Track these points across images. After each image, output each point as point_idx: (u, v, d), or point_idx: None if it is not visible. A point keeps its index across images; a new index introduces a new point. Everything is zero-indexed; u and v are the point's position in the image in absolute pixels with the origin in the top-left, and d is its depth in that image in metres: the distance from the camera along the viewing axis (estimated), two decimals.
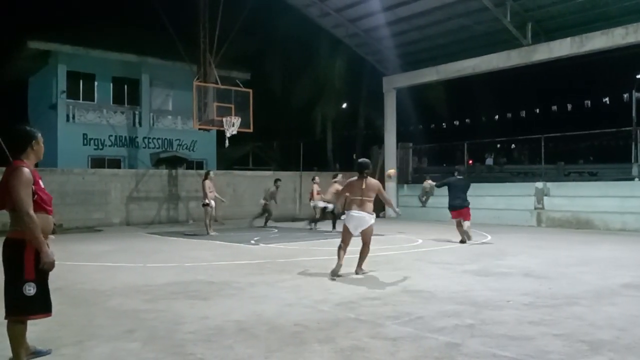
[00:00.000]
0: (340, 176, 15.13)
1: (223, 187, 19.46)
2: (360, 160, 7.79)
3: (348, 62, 25.05)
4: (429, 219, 18.13)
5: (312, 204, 15.58)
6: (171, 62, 21.25)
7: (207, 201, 13.71)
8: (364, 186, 7.31)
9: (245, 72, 23.25)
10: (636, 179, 18.19)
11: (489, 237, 13.16)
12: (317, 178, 16.01)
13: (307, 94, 27.06)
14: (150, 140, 22.32)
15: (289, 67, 27.96)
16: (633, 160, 21.55)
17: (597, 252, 10.22)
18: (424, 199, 20.06)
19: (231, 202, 19.57)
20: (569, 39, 16.25)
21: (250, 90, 17.26)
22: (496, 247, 11.09)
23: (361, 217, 7.31)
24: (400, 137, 22.57)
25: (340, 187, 10.30)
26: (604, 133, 20.59)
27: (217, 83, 16.98)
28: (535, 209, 17.31)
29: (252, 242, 12.09)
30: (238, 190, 19.96)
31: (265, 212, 16.78)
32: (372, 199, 7.41)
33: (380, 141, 23.12)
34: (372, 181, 7.48)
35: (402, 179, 22.03)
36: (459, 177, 12.13)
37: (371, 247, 7.73)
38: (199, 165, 22.86)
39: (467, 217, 11.67)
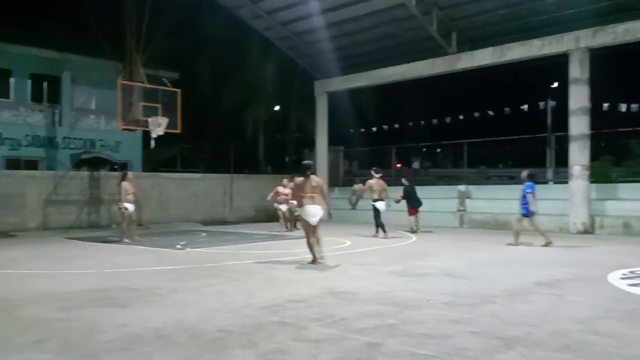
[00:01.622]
0: (285, 180, 16.01)
1: (148, 189, 18.86)
2: (304, 162, 9.22)
3: (280, 64, 25.01)
4: (359, 221, 18.40)
5: (275, 205, 16.19)
6: (95, 59, 20.39)
7: (123, 204, 12.73)
8: (314, 184, 8.65)
9: (173, 72, 22.67)
10: (550, 182, 19.39)
11: (414, 238, 13.58)
12: (285, 180, 16.34)
13: (238, 95, 26.74)
14: (71, 141, 21.26)
15: (220, 68, 27.51)
16: (548, 165, 22.93)
17: (514, 253, 10.76)
18: (354, 201, 20.44)
19: (157, 206, 19.01)
20: (490, 48, 17.06)
21: (179, 90, 16.83)
22: (419, 248, 11.46)
23: (316, 209, 8.62)
24: (332, 141, 22.80)
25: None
26: (522, 139, 21.72)
27: (143, 82, 16.43)
28: (458, 211, 18.04)
29: (178, 246, 11.79)
30: (164, 193, 19.38)
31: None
32: (319, 194, 8.74)
33: (311, 144, 23.26)
34: (317, 179, 8.89)
35: (333, 181, 22.27)
36: (408, 184, 15.31)
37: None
38: (123, 167, 21.99)
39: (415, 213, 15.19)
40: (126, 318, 5.22)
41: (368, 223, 17.64)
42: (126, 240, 12.76)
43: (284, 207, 16.00)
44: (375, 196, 13.65)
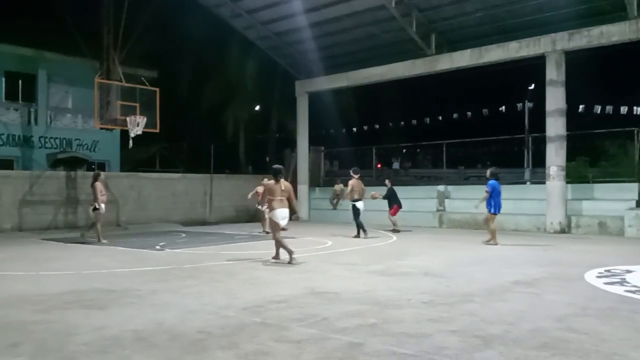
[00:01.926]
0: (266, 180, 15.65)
1: (126, 190, 18.65)
2: (275, 166, 9.50)
3: (261, 64, 24.91)
4: (339, 221, 18.45)
5: (257, 206, 15.91)
6: (71, 57, 19.99)
7: (97, 205, 12.65)
8: (283, 188, 9.03)
9: (152, 71, 22.36)
10: (528, 183, 19.69)
11: (394, 238, 13.66)
12: (265, 180, 16.15)
13: (218, 95, 26.56)
14: (47, 140, 20.87)
15: (199, 67, 27.29)
16: (525, 166, 23.29)
17: (492, 252, 10.88)
18: (335, 201, 20.53)
19: (135, 206, 18.79)
20: (469, 50, 17.24)
21: (157, 89, 16.64)
22: (399, 248, 11.53)
23: (285, 212, 9.08)
24: (313, 141, 22.81)
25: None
26: (500, 140, 22.03)
27: (121, 81, 16.21)
28: (437, 210, 18.20)
29: (157, 247, 11.67)
30: (143, 194, 19.15)
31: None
32: (286, 197, 9.12)
33: (292, 144, 23.23)
34: (286, 183, 9.19)
35: (314, 182, 22.28)
36: (390, 186, 15.69)
37: (280, 250, 9.11)
38: (101, 167, 21.68)
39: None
40: (104, 320, 5.14)
41: (349, 223, 17.67)
42: (104, 240, 12.67)
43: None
44: (356, 196, 13.71)
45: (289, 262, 8.83)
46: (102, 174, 13.81)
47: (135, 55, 19.19)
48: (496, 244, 11.75)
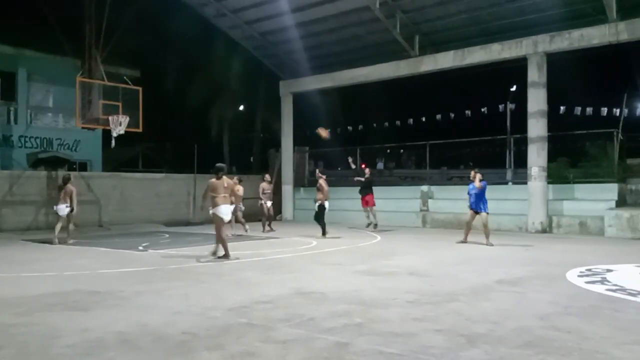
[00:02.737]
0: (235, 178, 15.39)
1: (109, 190, 18.43)
2: (218, 165, 9.68)
3: (246, 64, 24.78)
4: (325, 221, 18.44)
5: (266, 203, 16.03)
6: (52, 55, 19.69)
7: (73, 206, 12.92)
8: (225, 185, 9.44)
9: (135, 70, 22.14)
10: (510, 183, 19.88)
11: (379, 238, 13.72)
12: (267, 176, 16.58)
13: (202, 94, 26.36)
14: (27, 139, 20.53)
15: (183, 67, 27.07)
16: (508, 166, 23.51)
17: (476, 251, 10.99)
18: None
19: (118, 207, 18.58)
20: (452, 52, 17.38)
21: (140, 88, 16.48)
22: (384, 248, 11.59)
23: (228, 207, 9.49)
24: (298, 141, 22.78)
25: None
26: (482, 140, 22.21)
27: (103, 79, 16.03)
28: (421, 210, 18.31)
29: (141, 248, 11.55)
30: (125, 194, 18.93)
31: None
32: (230, 194, 9.62)
33: (277, 144, 23.17)
34: (229, 180, 9.69)
35: (299, 182, 22.26)
36: (369, 176, 15.94)
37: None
38: (83, 167, 21.42)
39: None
40: (87, 322, 5.08)
41: (334, 223, 17.72)
42: (72, 241, 12.84)
43: (269, 203, 15.96)
44: (325, 196, 13.87)
45: (219, 257, 9.43)
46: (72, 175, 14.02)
47: (118, 53, 18.98)
48: (492, 245, 11.69)
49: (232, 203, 9.85)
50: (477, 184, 11.96)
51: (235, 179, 15.66)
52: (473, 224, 12.32)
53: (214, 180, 9.44)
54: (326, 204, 13.88)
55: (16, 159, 19.78)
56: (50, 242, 12.55)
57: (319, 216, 13.89)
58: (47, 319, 5.25)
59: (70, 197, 12.88)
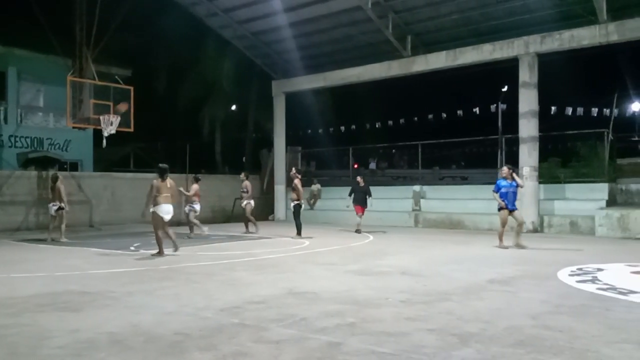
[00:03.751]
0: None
1: (100, 190, 18.34)
2: (161, 165, 10.12)
3: (238, 63, 24.73)
4: (317, 221, 18.46)
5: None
6: (43, 54, 19.58)
7: (63, 205, 13.04)
8: (168, 185, 9.93)
9: (126, 69, 22.05)
10: None
11: (371, 238, 13.73)
12: (242, 175, 15.78)
13: (194, 94, 26.29)
14: (17, 139, 20.39)
15: (175, 66, 26.98)
16: (499, 166, 23.57)
17: (468, 251, 11.04)
18: (312, 201, 20.51)
19: (109, 207, 18.48)
20: (444, 52, 17.44)
21: (131, 88, 16.39)
22: (377, 248, 11.60)
23: (169, 207, 9.91)
24: (290, 141, 22.76)
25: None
26: (474, 140, 22.34)
27: (94, 79, 15.93)
28: (413, 210, 18.36)
29: (132, 248, 11.49)
30: (117, 194, 18.82)
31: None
32: (173, 195, 10.10)
33: (269, 144, 23.14)
34: (171, 181, 10.11)
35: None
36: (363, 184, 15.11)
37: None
38: (73, 167, 21.30)
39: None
40: (78, 323, 5.04)
41: (327, 223, 17.78)
42: (64, 239, 12.88)
43: (244, 203, 15.23)
44: (300, 196, 13.72)
45: (152, 254, 9.96)
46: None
47: (109, 53, 18.89)
48: (525, 248, 11.06)
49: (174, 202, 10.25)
50: (518, 180, 11.38)
51: (192, 177, 15.14)
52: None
53: (157, 181, 9.89)
54: (303, 203, 13.79)
55: (6, 159, 19.65)
56: (44, 240, 12.73)
57: (295, 215, 13.74)
58: (37, 319, 5.20)
59: (59, 195, 12.95)
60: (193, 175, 15.31)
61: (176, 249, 10.12)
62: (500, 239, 11.30)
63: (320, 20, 18.55)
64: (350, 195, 15.17)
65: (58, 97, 19.26)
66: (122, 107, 15.42)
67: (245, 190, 15.25)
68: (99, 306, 5.81)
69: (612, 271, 8.10)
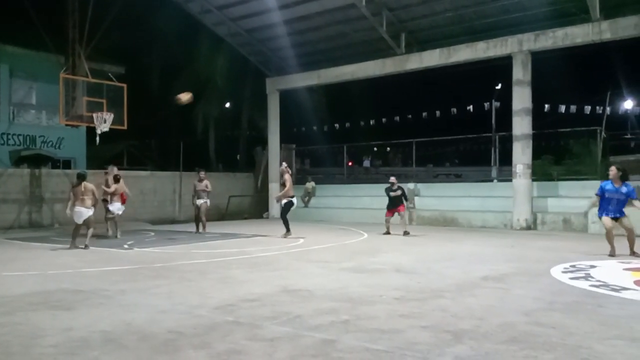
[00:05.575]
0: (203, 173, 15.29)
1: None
2: (80, 171, 11.35)
3: (231, 61, 24.66)
4: (311, 219, 18.48)
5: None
6: (35, 51, 19.44)
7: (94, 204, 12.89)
8: (83, 189, 10.79)
9: (119, 66, 21.94)
10: (495, 180, 20.05)
11: (366, 235, 13.75)
12: (202, 173, 15.18)
13: (188, 91, 26.18)
14: (9, 137, 20.25)
15: (169, 63, 26.84)
16: (492, 164, 23.72)
17: (461, 248, 11.07)
18: (306, 199, 20.53)
19: (102, 204, 18.35)
20: (438, 50, 17.46)
21: (125, 85, 16.30)
22: (371, 245, 11.61)
23: (81, 211, 10.80)
24: (284, 139, 22.73)
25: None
26: (467, 138, 22.37)
27: (87, 76, 15.83)
28: (407, 208, 18.35)
29: (126, 246, 11.46)
30: None
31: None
32: (90, 197, 10.92)
33: (264, 142, 23.10)
34: (89, 185, 10.96)
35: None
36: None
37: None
38: (66, 164, 21.19)
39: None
40: (71, 321, 5.02)
41: (322, 221, 17.76)
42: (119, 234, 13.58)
43: (199, 202, 14.79)
44: (292, 192, 13.17)
45: (69, 247, 10.80)
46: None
47: (102, 50, 18.79)
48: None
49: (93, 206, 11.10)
50: (636, 204, 9.19)
51: (110, 175, 14.06)
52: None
53: (75, 186, 11.00)
54: (294, 200, 13.15)
55: None
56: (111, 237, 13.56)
57: (283, 213, 13.22)
58: (30, 318, 5.18)
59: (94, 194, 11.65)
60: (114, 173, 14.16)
61: (86, 246, 10.87)
62: (610, 244, 9.38)
63: (314, 18, 18.52)
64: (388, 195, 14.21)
65: (51, 94, 19.13)
66: (184, 96, 16.03)
67: (206, 188, 14.73)
68: (92, 304, 5.79)
69: (604, 268, 8.14)
